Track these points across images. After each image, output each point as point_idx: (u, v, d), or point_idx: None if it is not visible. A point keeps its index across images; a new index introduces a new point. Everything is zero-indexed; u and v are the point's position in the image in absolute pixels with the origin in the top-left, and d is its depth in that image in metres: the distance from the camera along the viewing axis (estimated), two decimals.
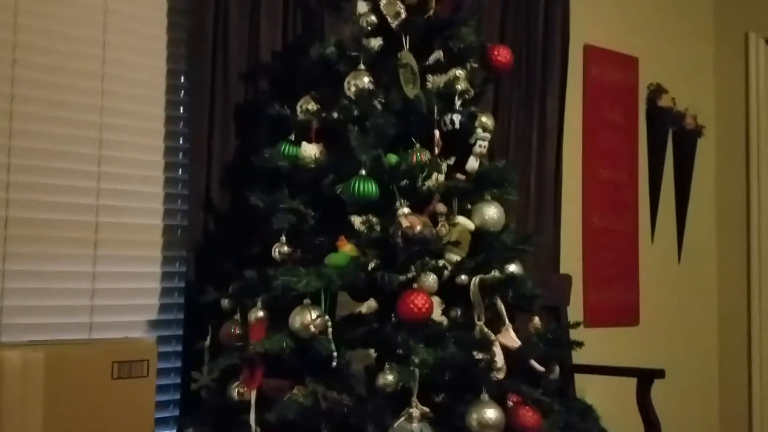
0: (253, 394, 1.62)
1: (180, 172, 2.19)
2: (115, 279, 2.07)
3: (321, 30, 2.25)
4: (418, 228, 1.64)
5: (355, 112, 1.81)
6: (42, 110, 1.99)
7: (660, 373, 2.32)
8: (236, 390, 1.68)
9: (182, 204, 2.17)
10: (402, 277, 1.66)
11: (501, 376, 1.62)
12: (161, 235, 2.16)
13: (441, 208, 1.74)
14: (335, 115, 1.87)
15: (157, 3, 2.18)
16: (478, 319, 1.68)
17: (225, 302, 1.83)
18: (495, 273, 1.71)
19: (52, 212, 2.00)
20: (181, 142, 2.19)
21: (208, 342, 1.84)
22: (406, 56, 1.84)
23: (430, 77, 1.89)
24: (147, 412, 1.70)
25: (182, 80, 2.20)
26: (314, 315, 1.60)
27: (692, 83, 3.44)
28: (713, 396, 3.43)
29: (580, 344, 1.83)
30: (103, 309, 2.05)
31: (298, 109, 1.95)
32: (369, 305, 1.74)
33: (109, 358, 1.64)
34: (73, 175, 2.03)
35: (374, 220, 1.73)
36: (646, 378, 2.33)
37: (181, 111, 2.20)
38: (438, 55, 1.92)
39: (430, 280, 1.67)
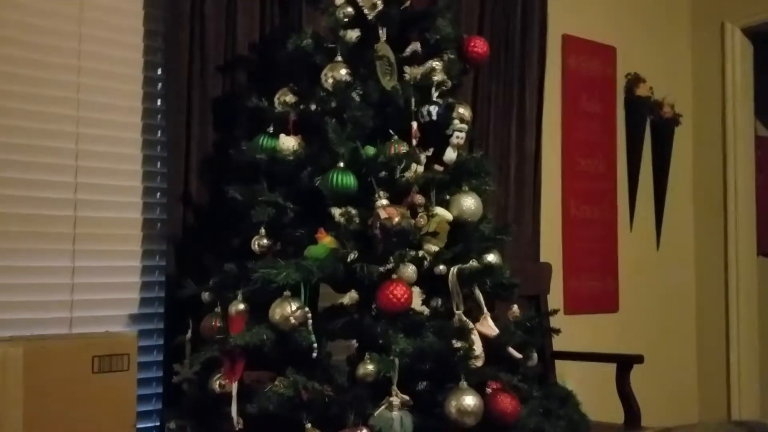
0: (235, 386, 1.63)
1: (158, 165, 2.18)
2: (95, 273, 2.07)
3: (299, 22, 2.24)
4: (397, 219, 1.66)
5: (333, 104, 1.82)
6: (17, 104, 1.97)
7: (639, 359, 2.36)
8: (218, 382, 1.68)
9: (161, 197, 2.16)
10: (381, 268, 1.67)
11: (479, 363, 1.64)
12: (140, 228, 2.15)
13: (419, 199, 1.75)
14: (313, 107, 1.87)
15: None
16: (457, 309, 1.70)
17: (205, 295, 1.84)
18: (473, 263, 1.73)
19: (30, 208, 1.98)
20: (158, 135, 2.19)
21: (189, 335, 1.85)
22: (383, 48, 1.85)
23: (407, 69, 1.89)
24: (128, 406, 1.70)
25: (159, 72, 2.19)
26: (294, 307, 1.60)
27: (669, 72, 3.48)
28: (692, 380, 3.49)
29: (557, 331, 1.86)
30: (83, 304, 2.04)
31: (276, 101, 1.95)
32: (351, 296, 1.74)
33: (89, 353, 1.64)
34: (50, 169, 2.02)
35: (353, 211, 1.73)
36: (625, 364, 2.37)
37: (159, 103, 2.19)
38: (415, 46, 1.93)
39: (409, 270, 1.69)
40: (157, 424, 2.07)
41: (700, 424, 3.17)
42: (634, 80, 3.30)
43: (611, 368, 2.38)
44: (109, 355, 1.67)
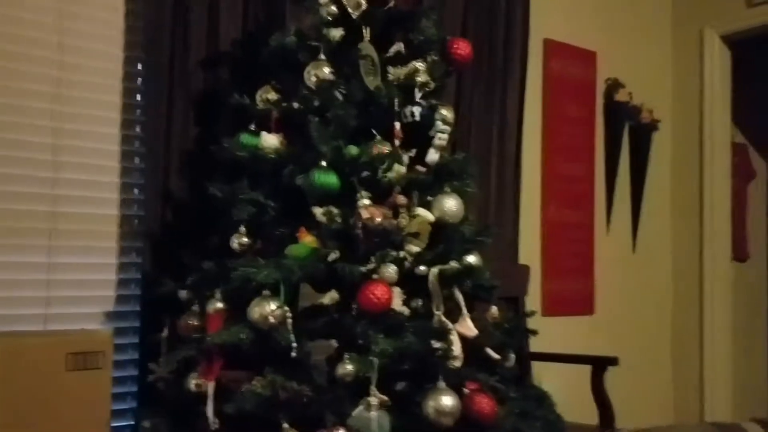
0: (211, 386, 1.62)
1: (137, 161, 2.15)
2: (71, 270, 2.04)
3: (282, 19, 2.23)
4: (379, 219, 1.66)
5: (316, 103, 1.81)
6: None
7: (613, 361, 2.38)
8: (194, 382, 1.67)
9: (139, 194, 2.14)
10: (362, 268, 1.67)
11: (458, 364, 1.64)
12: (117, 225, 2.12)
13: (401, 199, 1.76)
14: (296, 105, 1.86)
15: None
16: (437, 309, 1.70)
17: (183, 294, 1.82)
18: (453, 264, 1.73)
19: (6, 202, 1.95)
20: (138, 130, 2.16)
21: (165, 333, 1.83)
22: (367, 47, 1.84)
23: (390, 69, 1.89)
24: (103, 404, 1.68)
25: (139, 67, 2.16)
26: (273, 306, 1.60)
27: (649, 78, 3.52)
28: (666, 382, 3.53)
29: (534, 332, 1.87)
30: (59, 300, 2.01)
31: (258, 98, 1.93)
32: (331, 296, 1.74)
33: (64, 350, 1.62)
34: (27, 164, 1.98)
35: (335, 211, 1.73)
36: (600, 365, 2.39)
37: (138, 99, 2.16)
38: (398, 47, 1.93)
39: (390, 270, 1.69)
40: (132, 422, 2.05)
41: (678, 426, 3.21)
42: (613, 85, 3.33)
43: (587, 370, 2.41)
44: (83, 353, 1.65)
